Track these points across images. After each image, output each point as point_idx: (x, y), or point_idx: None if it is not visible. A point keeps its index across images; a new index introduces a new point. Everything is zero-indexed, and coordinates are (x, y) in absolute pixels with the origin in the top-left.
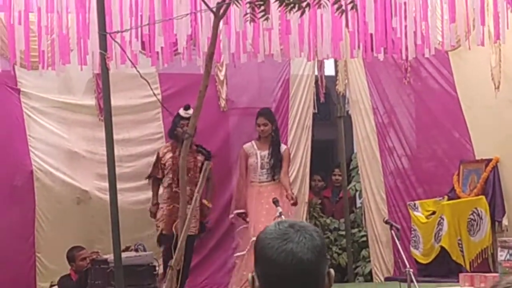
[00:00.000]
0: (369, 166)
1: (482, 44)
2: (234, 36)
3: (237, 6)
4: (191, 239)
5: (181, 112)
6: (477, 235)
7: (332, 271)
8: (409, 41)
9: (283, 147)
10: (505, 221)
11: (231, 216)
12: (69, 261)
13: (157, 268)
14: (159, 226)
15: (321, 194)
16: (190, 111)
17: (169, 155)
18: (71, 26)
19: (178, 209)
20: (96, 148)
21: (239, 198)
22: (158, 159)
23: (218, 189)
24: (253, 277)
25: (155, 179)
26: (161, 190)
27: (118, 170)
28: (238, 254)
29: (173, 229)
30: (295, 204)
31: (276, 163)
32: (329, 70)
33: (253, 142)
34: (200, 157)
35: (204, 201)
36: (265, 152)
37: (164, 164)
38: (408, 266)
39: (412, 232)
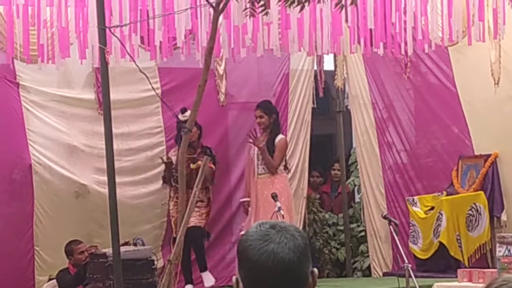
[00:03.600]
0: (368, 161)
1: (482, 40)
2: (234, 31)
3: (236, 1)
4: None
5: (180, 116)
6: (476, 230)
7: (316, 270)
8: (408, 36)
9: (278, 137)
10: (503, 217)
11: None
12: (67, 255)
13: (155, 262)
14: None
15: (320, 189)
16: (187, 113)
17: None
18: (70, 20)
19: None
20: (95, 142)
21: (246, 187)
22: (168, 164)
23: (216, 183)
24: (237, 279)
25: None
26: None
27: (117, 164)
28: None
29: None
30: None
31: (270, 153)
32: (328, 65)
33: (258, 135)
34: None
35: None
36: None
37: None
38: (406, 261)
39: (411, 227)
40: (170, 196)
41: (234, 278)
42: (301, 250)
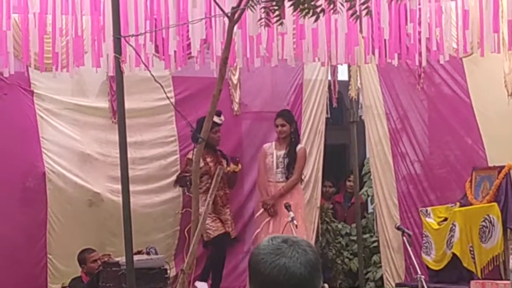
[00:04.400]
0: (382, 172)
1: (497, 51)
2: (248, 41)
3: (252, 11)
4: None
5: (216, 119)
6: (489, 242)
7: (326, 286)
8: (422, 47)
9: (299, 146)
10: None
11: (256, 215)
12: (80, 263)
13: (168, 271)
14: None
15: (333, 199)
16: (223, 117)
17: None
18: (85, 28)
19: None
20: (109, 151)
21: (263, 194)
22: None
23: (230, 192)
24: None
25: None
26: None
27: (130, 173)
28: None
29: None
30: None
31: (291, 163)
32: (342, 75)
33: (273, 142)
34: (224, 163)
35: (231, 167)
36: (282, 152)
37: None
38: (419, 272)
39: (424, 238)
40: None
41: None
42: (312, 265)
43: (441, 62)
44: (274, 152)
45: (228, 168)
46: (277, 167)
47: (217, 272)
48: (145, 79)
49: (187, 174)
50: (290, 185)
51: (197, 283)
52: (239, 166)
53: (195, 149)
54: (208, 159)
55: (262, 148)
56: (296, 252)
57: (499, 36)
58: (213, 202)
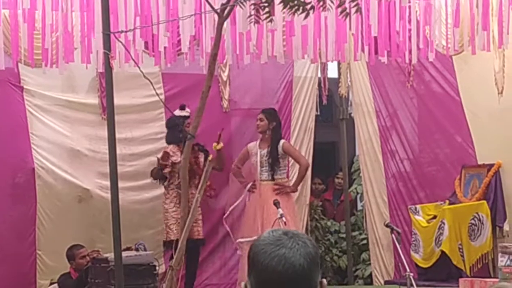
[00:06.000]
0: (371, 169)
1: (486, 49)
2: (238, 37)
3: (241, 8)
4: (197, 243)
5: (180, 113)
6: (478, 240)
7: (325, 281)
8: (412, 45)
9: (281, 142)
10: (506, 227)
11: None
12: (68, 259)
13: (157, 268)
14: (171, 230)
15: (322, 197)
16: (188, 109)
17: (178, 156)
18: (75, 24)
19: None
20: (98, 147)
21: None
22: (167, 156)
23: (219, 189)
24: (245, 285)
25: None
26: (165, 192)
27: (120, 169)
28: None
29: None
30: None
31: (274, 162)
32: (332, 72)
33: (257, 142)
34: (200, 155)
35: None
36: (265, 151)
37: (172, 165)
38: (408, 270)
39: (413, 236)
40: (167, 197)
41: (242, 283)
42: (312, 258)
43: (430, 59)
44: (258, 152)
45: (209, 159)
46: (262, 166)
47: (188, 273)
48: (134, 76)
49: (164, 167)
50: (303, 172)
51: None
52: (221, 144)
53: (171, 145)
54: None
55: (246, 147)
56: (296, 244)
57: (489, 34)
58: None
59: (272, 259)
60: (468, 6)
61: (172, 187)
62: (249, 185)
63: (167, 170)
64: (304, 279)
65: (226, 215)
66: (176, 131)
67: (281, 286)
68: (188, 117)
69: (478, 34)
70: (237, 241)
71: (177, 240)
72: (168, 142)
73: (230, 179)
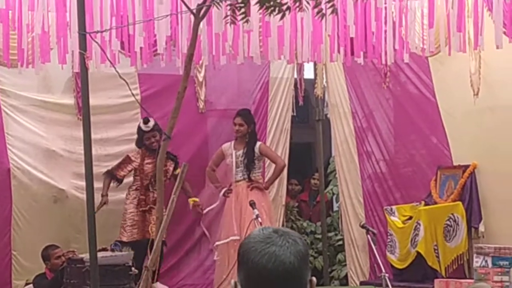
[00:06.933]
0: (347, 170)
1: (462, 50)
2: (214, 38)
3: (217, 8)
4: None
5: (142, 126)
6: (453, 241)
7: (314, 279)
8: (388, 46)
9: (257, 144)
10: (481, 228)
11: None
12: (43, 260)
13: (133, 268)
14: (125, 232)
15: (298, 197)
16: (150, 123)
17: (138, 161)
18: (51, 24)
19: (149, 214)
20: (74, 147)
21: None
22: (127, 161)
23: (196, 190)
24: (235, 283)
25: (110, 175)
26: (127, 193)
27: (95, 170)
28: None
29: (150, 230)
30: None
31: (250, 162)
32: (308, 73)
33: (232, 142)
34: (169, 163)
35: (191, 200)
36: (240, 152)
37: (135, 169)
38: (383, 270)
39: (389, 237)
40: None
41: (232, 281)
42: (302, 256)
43: (406, 61)
44: (233, 153)
45: (178, 170)
46: (237, 167)
47: None
48: (110, 76)
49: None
50: (278, 171)
51: (158, 284)
52: (178, 170)
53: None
54: (147, 160)
55: (221, 147)
56: (286, 242)
57: (465, 35)
58: (144, 202)
59: (262, 256)
60: (444, 7)
61: (133, 189)
62: (223, 190)
63: (122, 174)
64: (294, 277)
65: (204, 212)
66: (137, 138)
67: (271, 283)
68: (149, 131)
69: (454, 35)
70: (214, 244)
71: (152, 241)
72: (137, 146)
73: (206, 182)
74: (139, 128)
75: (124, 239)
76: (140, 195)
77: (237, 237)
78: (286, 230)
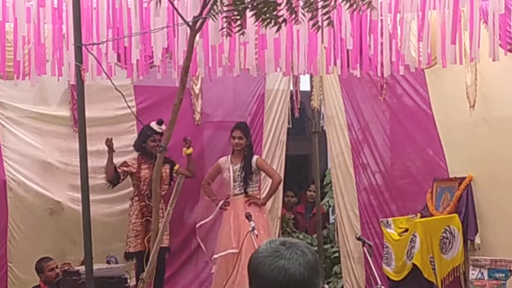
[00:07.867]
0: (343, 182)
1: (458, 62)
2: (210, 50)
3: (213, 20)
4: (163, 251)
5: (154, 126)
6: (449, 253)
7: (326, 286)
8: (385, 58)
9: (254, 157)
10: (477, 240)
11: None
12: (37, 273)
13: (128, 281)
14: (130, 243)
15: (294, 210)
16: (163, 126)
17: (135, 167)
18: (47, 36)
19: (150, 224)
20: (70, 159)
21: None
22: (124, 165)
23: (191, 202)
24: None
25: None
26: (130, 204)
27: (91, 182)
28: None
29: (145, 242)
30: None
31: (247, 176)
32: (305, 85)
33: (228, 156)
34: (165, 167)
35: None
36: (238, 166)
37: (131, 174)
38: (379, 283)
39: (385, 249)
40: (130, 209)
41: None
42: (312, 266)
43: (401, 73)
44: (230, 167)
45: (175, 169)
46: (235, 181)
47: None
48: (106, 88)
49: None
50: (274, 187)
51: None
52: (191, 149)
53: (132, 158)
54: (144, 166)
55: (218, 161)
56: (294, 254)
57: (461, 47)
58: (146, 210)
59: (272, 271)
60: (439, 19)
61: (136, 200)
62: (221, 203)
63: (120, 169)
64: (305, 287)
65: (197, 226)
66: (139, 139)
67: None
68: (160, 134)
69: (449, 48)
70: (212, 257)
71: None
72: (135, 149)
73: (201, 194)
74: (148, 128)
75: (130, 250)
76: (141, 204)
77: (235, 250)
78: (293, 241)
